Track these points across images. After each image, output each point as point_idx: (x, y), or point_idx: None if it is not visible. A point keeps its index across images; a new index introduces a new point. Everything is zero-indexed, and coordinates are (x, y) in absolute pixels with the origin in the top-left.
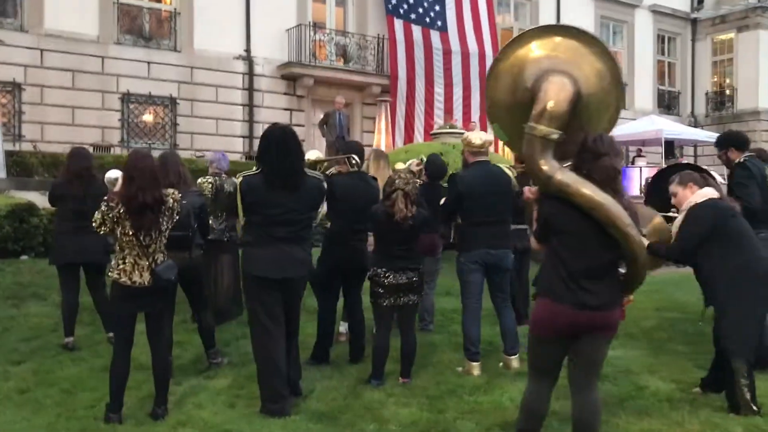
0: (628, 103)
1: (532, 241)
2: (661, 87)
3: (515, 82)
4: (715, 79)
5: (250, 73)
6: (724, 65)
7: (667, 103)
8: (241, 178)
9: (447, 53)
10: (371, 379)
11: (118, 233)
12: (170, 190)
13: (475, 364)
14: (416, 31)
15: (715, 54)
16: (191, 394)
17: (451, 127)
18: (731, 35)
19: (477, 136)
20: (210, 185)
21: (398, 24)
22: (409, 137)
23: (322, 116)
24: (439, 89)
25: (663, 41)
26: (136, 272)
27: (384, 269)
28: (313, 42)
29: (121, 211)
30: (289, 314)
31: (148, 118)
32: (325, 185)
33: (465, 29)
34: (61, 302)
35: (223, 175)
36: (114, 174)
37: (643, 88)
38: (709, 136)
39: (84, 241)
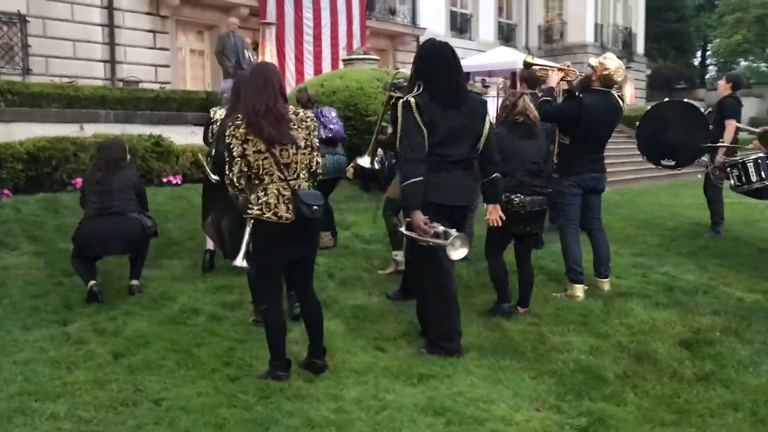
0: (473, 35)
1: None
2: (501, 20)
3: None
4: (546, 13)
5: None
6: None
7: (506, 36)
8: (412, 99)
9: None
10: (501, 304)
11: (253, 159)
12: (301, 110)
13: (578, 286)
14: None
15: None
16: None
17: (365, 53)
18: None
19: (620, 72)
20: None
21: None
22: (280, 63)
23: (217, 43)
24: (308, 14)
25: None
26: (282, 204)
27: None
28: None
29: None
30: None
31: None
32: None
33: None
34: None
35: None
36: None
37: (485, 21)
38: None
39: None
